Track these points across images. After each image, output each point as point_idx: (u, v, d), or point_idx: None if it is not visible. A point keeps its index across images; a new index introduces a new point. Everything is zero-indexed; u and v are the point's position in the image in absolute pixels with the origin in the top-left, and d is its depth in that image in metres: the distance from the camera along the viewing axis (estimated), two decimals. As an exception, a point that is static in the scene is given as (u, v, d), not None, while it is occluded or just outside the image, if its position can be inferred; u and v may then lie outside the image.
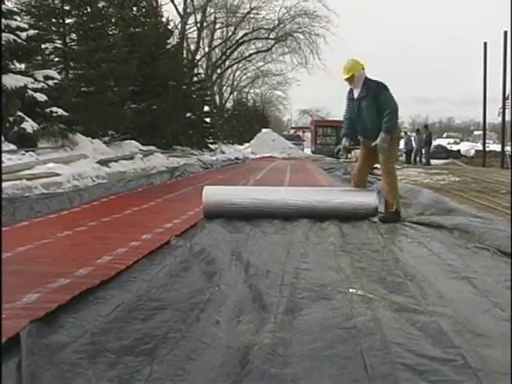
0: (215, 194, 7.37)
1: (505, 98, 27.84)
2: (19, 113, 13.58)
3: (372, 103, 7.12)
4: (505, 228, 5.97)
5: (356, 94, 7.26)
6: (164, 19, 28.47)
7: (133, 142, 19.86)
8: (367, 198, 7.26)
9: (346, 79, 7.25)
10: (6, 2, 15.35)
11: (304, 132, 57.18)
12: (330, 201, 7.23)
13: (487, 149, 31.56)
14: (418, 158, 28.65)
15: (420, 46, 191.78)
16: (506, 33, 26.39)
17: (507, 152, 28.60)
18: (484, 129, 31.80)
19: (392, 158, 7.53)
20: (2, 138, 12.52)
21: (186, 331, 2.96)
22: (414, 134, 32.02)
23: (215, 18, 48.71)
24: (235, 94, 65.20)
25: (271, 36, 49.26)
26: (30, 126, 13.56)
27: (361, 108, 7.21)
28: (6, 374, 2.45)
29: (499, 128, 33.85)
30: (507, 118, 28.97)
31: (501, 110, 28.31)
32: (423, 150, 28.46)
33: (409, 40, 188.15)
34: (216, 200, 7.25)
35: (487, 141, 33.11)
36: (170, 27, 29.49)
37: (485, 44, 28.39)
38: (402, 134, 32.76)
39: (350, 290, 3.79)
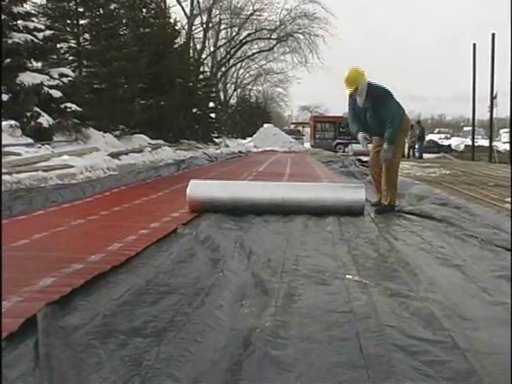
0: (201, 190, 6.83)
1: (492, 97, 27.81)
2: (36, 108, 13.60)
3: (376, 112, 6.86)
4: (489, 220, 5.97)
5: (360, 101, 6.95)
6: (172, 20, 28.43)
7: (142, 135, 19.84)
8: (356, 195, 6.77)
9: (350, 91, 6.95)
10: (25, 5, 15.30)
11: (304, 127, 57.05)
12: (316, 198, 6.70)
13: (476, 144, 31.52)
14: (411, 153, 28.60)
15: (413, 46, 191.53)
16: (493, 35, 26.37)
17: (495, 147, 28.58)
18: (473, 125, 31.78)
19: (398, 154, 7.24)
20: (20, 132, 12.54)
21: (191, 314, 2.97)
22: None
23: (220, 19, 48.66)
24: (239, 90, 65.14)
25: (273, 36, 49.24)
26: (45, 120, 13.58)
27: (366, 116, 6.97)
28: (24, 352, 2.46)
29: (487, 124, 33.79)
30: (494, 115, 28.98)
31: (488, 110, 28.26)
32: (416, 145, 28.38)
33: (403, 40, 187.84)
34: (201, 196, 6.73)
35: (476, 136, 33.06)
36: (177, 28, 29.45)
37: (474, 45, 28.39)
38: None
39: (347, 276, 3.79)
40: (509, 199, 8.01)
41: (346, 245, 4.93)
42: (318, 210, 6.56)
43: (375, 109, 6.84)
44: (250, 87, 67.97)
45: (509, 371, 2.31)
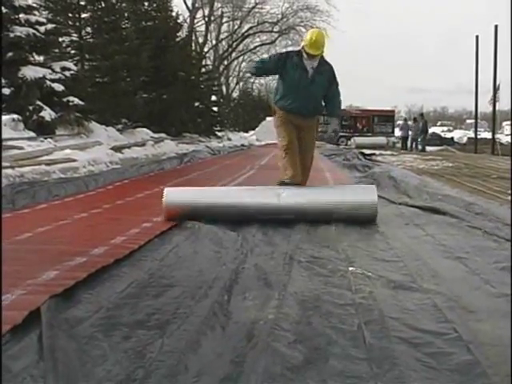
0: (179, 197, 5.84)
1: (495, 89, 27.71)
2: (38, 102, 13.61)
3: (324, 84, 6.21)
4: (494, 216, 5.96)
5: (310, 65, 6.10)
6: (174, 13, 28.34)
7: (144, 129, 19.85)
8: (366, 196, 5.68)
9: (314, 55, 6.06)
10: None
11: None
12: (318, 202, 5.66)
13: (479, 136, 31.42)
14: (414, 145, 28.53)
15: (416, 39, 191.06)
16: (496, 27, 26.27)
17: (497, 139, 28.51)
18: (476, 117, 31.67)
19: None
20: (23, 126, 12.55)
21: (194, 307, 2.97)
22: (409, 122, 31.83)
23: (222, 12, 48.53)
24: (241, 84, 64.83)
25: (275, 29, 49.07)
26: (48, 114, 13.59)
27: (313, 84, 6.14)
28: (28, 344, 2.47)
29: (490, 117, 33.71)
30: (497, 107, 28.90)
31: (491, 101, 28.13)
32: (419, 138, 28.30)
33: (405, 32, 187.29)
34: (180, 203, 5.74)
35: (479, 129, 32.93)
36: (179, 21, 29.36)
37: (477, 37, 28.26)
38: (402, 121, 32.61)
39: (350, 269, 3.79)
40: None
41: (348, 237, 4.93)
42: (319, 217, 5.56)
43: (326, 81, 6.21)
44: (252, 80, 67.65)
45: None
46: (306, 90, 6.13)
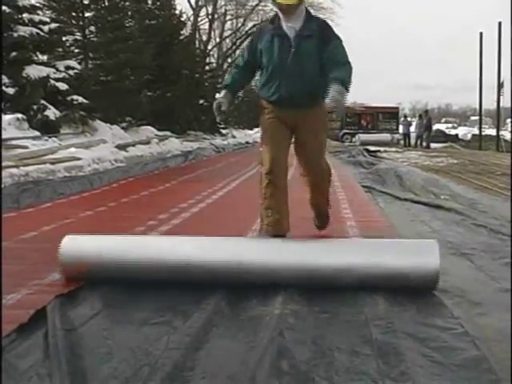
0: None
1: (499, 86, 27.64)
2: (42, 101, 13.62)
3: (316, 49, 4.03)
4: (498, 213, 5.94)
5: (291, 28, 4.03)
6: (177, 12, 28.33)
7: (149, 127, 19.84)
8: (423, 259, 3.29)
9: (288, 6, 3.95)
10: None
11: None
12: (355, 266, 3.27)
13: (483, 133, 31.31)
14: (419, 142, 28.46)
15: (420, 36, 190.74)
16: (500, 24, 26.20)
17: (502, 136, 28.43)
18: (480, 114, 31.57)
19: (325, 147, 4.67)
20: (27, 125, 12.57)
21: (200, 304, 2.97)
22: (409, 118, 31.76)
23: (225, 10, 48.46)
24: (245, 82, 64.96)
25: (279, 27, 49.01)
26: (52, 113, 13.61)
27: (299, 53, 4.01)
28: (34, 343, 2.48)
29: (494, 114, 33.63)
30: (501, 104, 28.84)
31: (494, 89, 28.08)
32: (424, 135, 28.24)
33: (409, 29, 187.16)
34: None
35: (483, 126, 32.81)
36: (182, 19, 29.34)
37: (480, 34, 28.16)
38: (402, 118, 32.54)
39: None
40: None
41: (353, 234, 4.92)
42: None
43: (318, 44, 4.00)
44: (256, 78, 67.89)
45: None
46: (292, 65, 4.03)
